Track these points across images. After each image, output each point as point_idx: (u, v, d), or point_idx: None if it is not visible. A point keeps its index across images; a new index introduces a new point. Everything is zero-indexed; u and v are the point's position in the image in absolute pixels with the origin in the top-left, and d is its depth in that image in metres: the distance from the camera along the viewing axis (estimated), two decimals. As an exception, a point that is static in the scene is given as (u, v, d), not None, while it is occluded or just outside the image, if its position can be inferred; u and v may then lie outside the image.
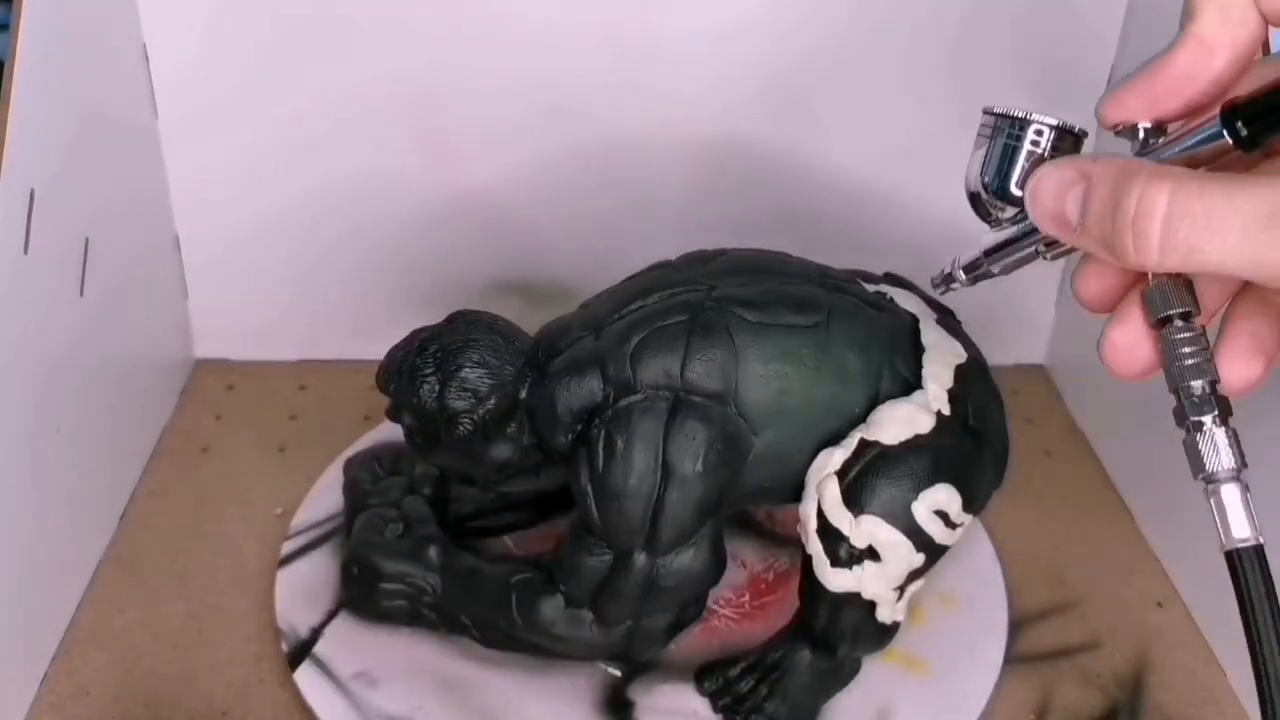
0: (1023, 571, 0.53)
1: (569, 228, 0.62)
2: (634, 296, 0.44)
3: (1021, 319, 0.66)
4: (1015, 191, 0.33)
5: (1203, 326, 0.30)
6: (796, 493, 0.43)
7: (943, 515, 0.42)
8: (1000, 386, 0.46)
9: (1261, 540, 0.29)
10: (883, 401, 0.43)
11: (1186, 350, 0.30)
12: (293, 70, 0.57)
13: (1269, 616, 0.28)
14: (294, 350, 0.65)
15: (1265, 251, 0.26)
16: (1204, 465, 0.29)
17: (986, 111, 0.34)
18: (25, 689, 0.46)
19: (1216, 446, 0.29)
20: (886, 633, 0.44)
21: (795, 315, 0.43)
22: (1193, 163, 0.29)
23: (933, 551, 0.43)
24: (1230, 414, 0.30)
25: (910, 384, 0.43)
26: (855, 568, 0.42)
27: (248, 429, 0.60)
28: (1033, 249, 0.33)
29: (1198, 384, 0.30)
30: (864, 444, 0.42)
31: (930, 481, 0.42)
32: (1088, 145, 0.33)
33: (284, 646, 0.47)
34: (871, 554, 0.42)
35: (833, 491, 0.42)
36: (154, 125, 0.58)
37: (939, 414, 0.42)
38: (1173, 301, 0.30)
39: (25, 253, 0.44)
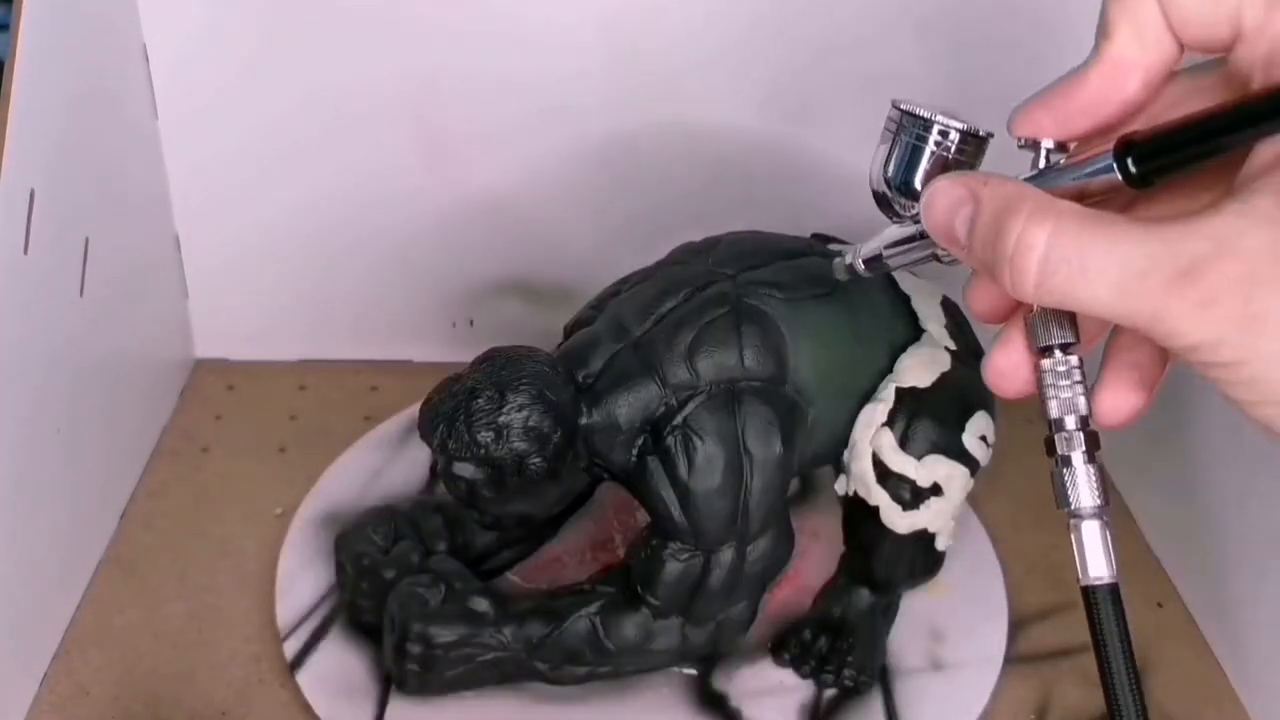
0: (1023, 571, 0.53)
1: (569, 227, 0.62)
2: (657, 299, 0.44)
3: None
4: (918, 189, 0.33)
5: (1080, 360, 0.30)
6: (839, 454, 0.45)
7: (983, 438, 0.45)
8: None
9: (1115, 580, 0.30)
10: (899, 351, 0.45)
11: (1063, 384, 0.30)
12: (293, 70, 0.57)
13: (1120, 652, 0.29)
14: (294, 350, 0.65)
15: (1137, 304, 0.26)
16: (1068, 501, 0.30)
17: (895, 106, 0.34)
18: (25, 689, 0.46)
19: (1081, 483, 0.30)
20: (941, 560, 0.47)
21: (814, 287, 0.44)
22: (1084, 192, 0.28)
23: (977, 472, 0.46)
24: (1098, 449, 0.30)
25: (911, 329, 0.46)
26: (922, 506, 0.44)
27: (248, 429, 0.60)
28: (930, 252, 0.33)
29: (1070, 419, 0.30)
30: (901, 392, 0.44)
31: (969, 412, 0.45)
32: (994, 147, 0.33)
33: None
34: (935, 490, 0.44)
35: (889, 440, 0.44)
36: (154, 125, 0.58)
37: (948, 349, 0.45)
38: (1053, 333, 0.30)
39: (25, 253, 0.44)
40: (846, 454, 0.45)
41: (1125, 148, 0.28)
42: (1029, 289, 0.27)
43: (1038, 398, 0.31)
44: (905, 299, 0.46)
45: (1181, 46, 0.29)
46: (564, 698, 0.45)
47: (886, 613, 0.49)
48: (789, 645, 0.47)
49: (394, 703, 0.45)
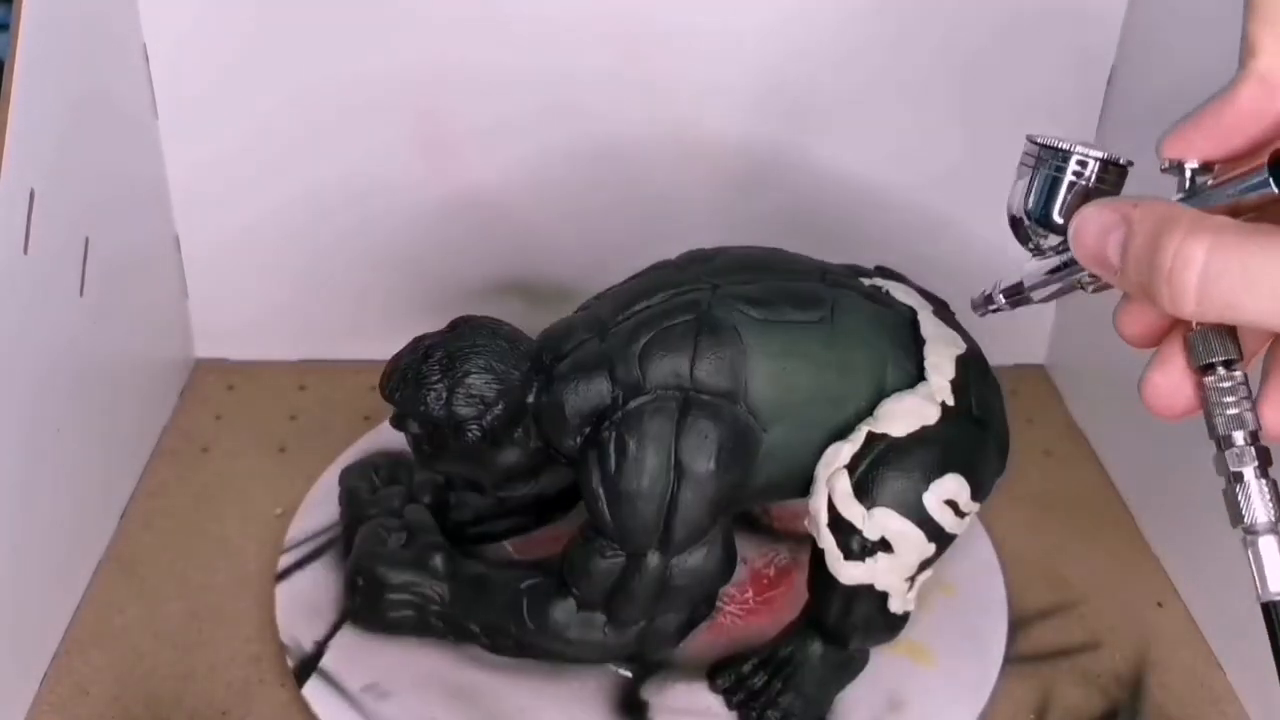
0: (1023, 571, 0.53)
1: (570, 227, 0.62)
2: (636, 297, 0.44)
3: (1021, 319, 0.65)
4: (1058, 220, 0.33)
5: (1245, 374, 0.30)
6: (804, 488, 0.44)
7: (952, 504, 0.42)
8: (1000, 386, 0.46)
9: None
10: (888, 394, 0.43)
11: (1229, 400, 0.30)
12: (293, 69, 0.57)
13: None
14: (294, 350, 0.65)
15: None
16: (1243, 517, 0.29)
17: (1030, 140, 0.34)
18: (25, 689, 0.46)
19: (1256, 499, 0.29)
20: (898, 623, 0.45)
21: (799, 311, 0.43)
22: (1236, 210, 0.28)
23: (943, 540, 0.43)
24: (1270, 464, 0.29)
25: (913, 376, 0.44)
26: (868, 560, 0.42)
27: (248, 429, 0.60)
28: (1076, 281, 0.33)
29: (1239, 434, 0.29)
30: (872, 437, 0.42)
31: (940, 472, 0.42)
32: (1133, 176, 0.33)
33: (289, 661, 0.47)
34: (884, 545, 0.42)
35: (844, 485, 0.42)
36: (154, 124, 0.58)
37: (943, 405, 0.43)
38: (1215, 349, 0.30)
39: (25, 252, 0.44)
40: (810, 489, 0.44)
41: (1279, 161, 0.27)
42: (1189, 304, 0.27)
43: (1201, 412, 0.30)
44: (921, 343, 0.44)
45: None
46: (495, 666, 0.46)
47: (843, 668, 0.46)
48: (726, 673, 0.46)
49: (343, 631, 0.48)
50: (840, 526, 0.42)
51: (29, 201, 0.44)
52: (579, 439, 0.43)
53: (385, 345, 0.64)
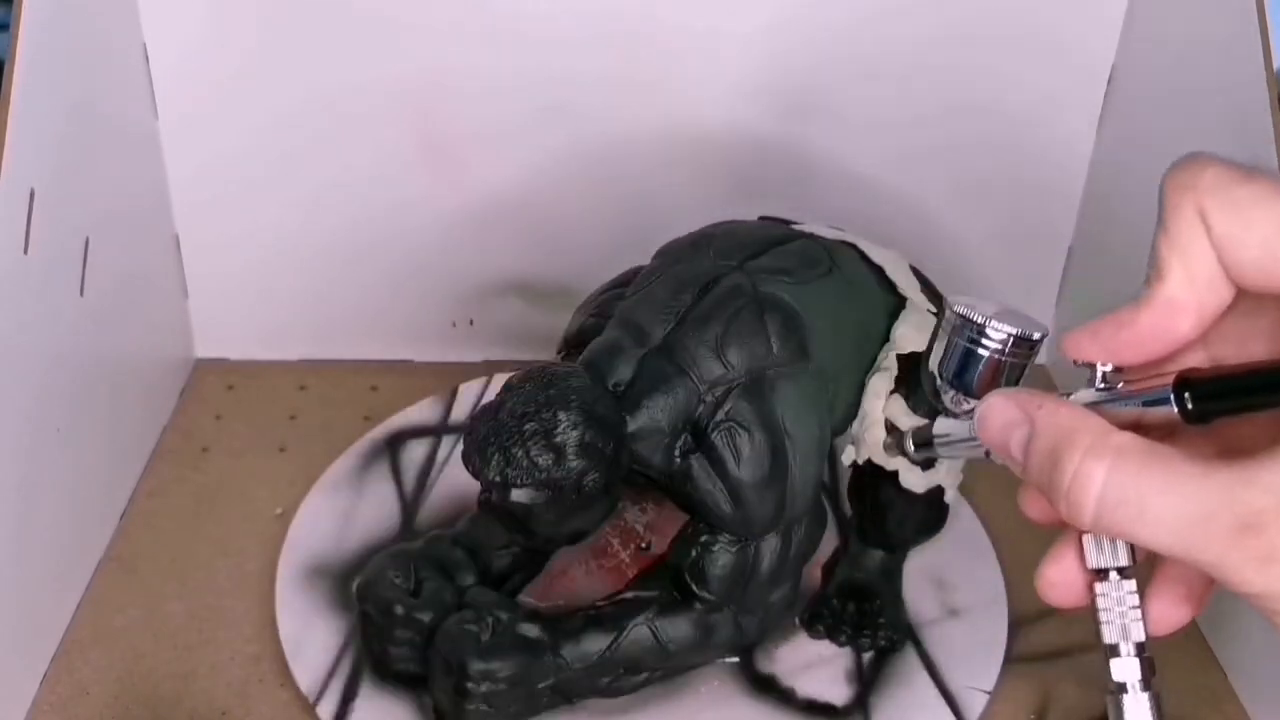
0: (1023, 571, 0.53)
1: (571, 227, 0.62)
2: (670, 298, 0.44)
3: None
4: (972, 386, 0.34)
5: (1135, 583, 0.30)
6: (848, 426, 0.46)
7: None
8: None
9: None
10: (892, 319, 0.46)
11: (1118, 609, 0.30)
12: (293, 70, 0.57)
13: None
14: (294, 350, 0.65)
15: (1198, 550, 0.26)
16: None
17: (949, 306, 0.35)
18: (25, 689, 0.46)
19: (1137, 712, 0.29)
20: (946, 514, 0.49)
21: (814, 269, 0.45)
22: (1141, 421, 0.28)
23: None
24: (1154, 674, 0.29)
25: (894, 299, 0.47)
26: (937, 464, 0.46)
27: (248, 429, 0.60)
28: (984, 451, 0.33)
29: (1125, 646, 0.30)
30: (901, 359, 0.45)
31: None
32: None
33: None
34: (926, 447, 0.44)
35: (899, 405, 0.45)
36: (154, 125, 0.58)
37: (930, 312, 0.46)
38: (1108, 557, 0.30)
39: (25, 253, 0.44)
40: (856, 424, 0.46)
41: (1183, 384, 0.27)
42: (1086, 523, 0.27)
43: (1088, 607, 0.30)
44: (880, 270, 0.47)
45: (1237, 289, 0.28)
46: (619, 709, 0.45)
47: (899, 566, 0.50)
48: (822, 617, 0.49)
49: None
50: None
51: (29, 201, 0.44)
52: (678, 451, 0.43)
53: (385, 345, 0.65)
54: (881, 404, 0.45)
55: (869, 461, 0.46)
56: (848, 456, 0.47)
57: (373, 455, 0.57)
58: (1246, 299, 0.29)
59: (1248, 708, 0.48)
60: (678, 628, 0.44)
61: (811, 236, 0.48)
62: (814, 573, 0.50)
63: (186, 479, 0.57)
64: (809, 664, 0.48)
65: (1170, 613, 0.31)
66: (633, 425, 0.42)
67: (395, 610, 0.45)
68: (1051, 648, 0.50)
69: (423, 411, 0.59)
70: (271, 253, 0.62)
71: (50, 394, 0.47)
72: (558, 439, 0.40)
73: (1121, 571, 0.30)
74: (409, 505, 0.54)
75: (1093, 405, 0.29)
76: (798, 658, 0.48)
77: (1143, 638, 0.30)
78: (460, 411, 0.59)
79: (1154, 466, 0.26)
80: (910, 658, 0.48)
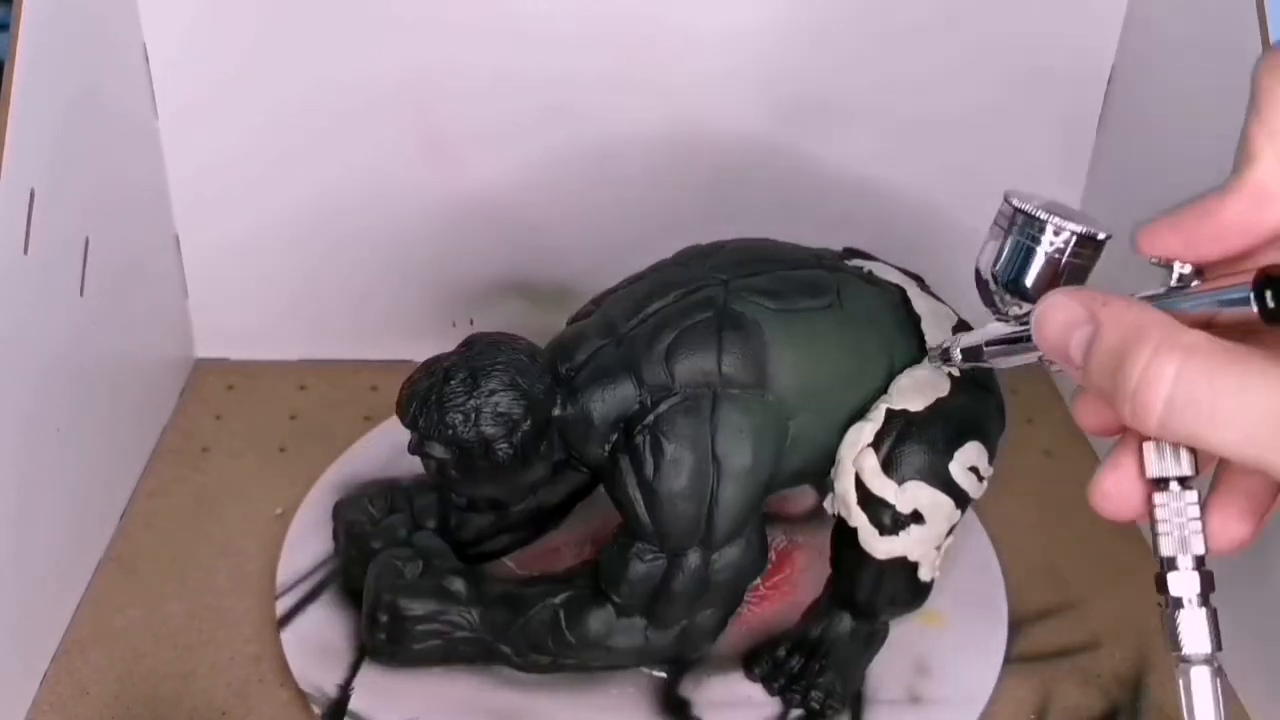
0: (1023, 571, 0.53)
1: (571, 227, 0.62)
2: (647, 298, 0.44)
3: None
4: (1028, 290, 0.32)
5: (1198, 494, 0.29)
6: (825, 472, 0.45)
7: (974, 470, 0.44)
8: (1001, 386, 0.46)
9: None
10: (898, 371, 0.44)
11: (1178, 520, 0.28)
12: (292, 70, 0.57)
13: None
14: (294, 350, 0.65)
15: (1270, 452, 0.24)
16: (1180, 646, 0.28)
17: (1007, 200, 0.33)
18: (25, 689, 0.46)
19: (1196, 629, 0.28)
20: (925, 591, 0.46)
21: (810, 299, 0.44)
22: (1213, 321, 0.27)
23: (966, 505, 0.44)
24: (1213, 590, 0.28)
25: (916, 352, 0.45)
26: (901, 533, 0.43)
27: (248, 429, 0.60)
28: (1037, 356, 0.31)
29: (1184, 559, 0.28)
30: (891, 413, 0.43)
31: (961, 441, 0.43)
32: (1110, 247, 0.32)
33: (315, 709, 0.45)
34: (916, 518, 0.43)
35: (871, 462, 0.43)
36: (154, 124, 0.58)
37: (950, 375, 0.44)
38: (1170, 465, 0.28)
39: (25, 253, 0.44)
40: (833, 472, 0.44)
41: (1266, 281, 0.25)
42: (1152, 427, 0.26)
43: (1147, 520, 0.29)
44: (916, 320, 0.45)
45: None
46: (528, 684, 0.46)
47: (871, 640, 0.47)
48: (761, 661, 0.47)
49: (364, 670, 0.46)
50: (871, 503, 0.43)
51: (29, 201, 0.44)
52: (607, 447, 0.43)
53: (385, 345, 0.64)
54: (854, 455, 0.43)
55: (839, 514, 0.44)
56: (828, 504, 0.45)
57: None
58: None
59: (1248, 708, 0.48)
60: (583, 620, 0.44)
61: (844, 270, 0.46)
62: (794, 616, 0.48)
63: (186, 479, 0.57)
64: (731, 703, 0.46)
65: (1231, 527, 0.29)
66: (563, 410, 0.43)
67: (354, 530, 0.49)
68: (1051, 648, 0.50)
69: None
70: (271, 253, 0.62)
71: (50, 394, 0.47)
72: (473, 403, 0.42)
73: (1183, 481, 0.28)
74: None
75: (1161, 303, 0.28)
76: (723, 693, 0.46)
77: (1202, 551, 0.28)
78: None
79: (1228, 365, 0.25)
80: None
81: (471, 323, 0.64)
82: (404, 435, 0.54)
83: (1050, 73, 0.59)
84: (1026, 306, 0.32)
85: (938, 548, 0.45)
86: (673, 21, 0.57)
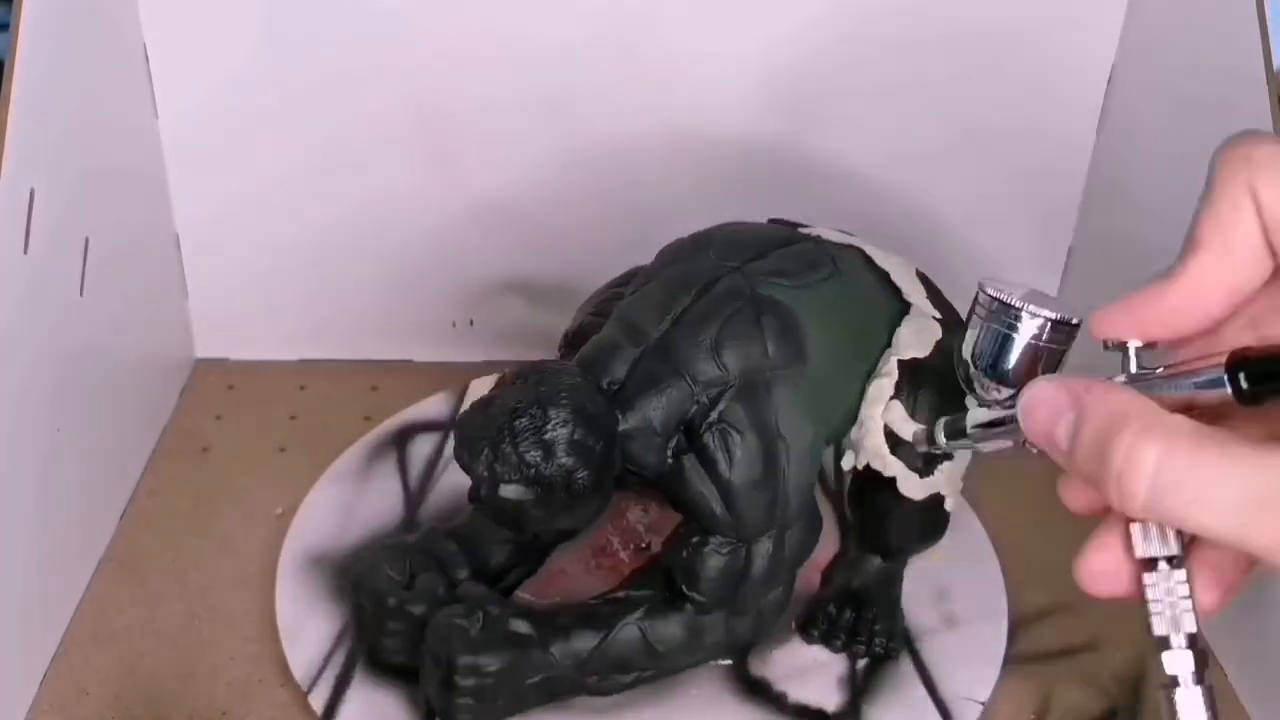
0: (1023, 571, 0.53)
1: (569, 227, 0.62)
2: (669, 299, 0.44)
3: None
4: (1008, 373, 0.33)
5: (1187, 573, 0.29)
6: (846, 433, 0.46)
7: None
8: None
9: None
10: (894, 325, 0.46)
11: (1169, 600, 0.28)
12: (293, 69, 0.57)
13: None
14: (294, 350, 0.65)
15: (1253, 535, 0.25)
16: None
17: (982, 289, 0.34)
18: (25, 689, 0.46)
19: (1191, 707, 0.28)
20: (947, 521, 0.48)
21: (814, 272, 0.45)
22: (1191, 404, 0.27)
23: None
24: (1207, 667, 0.28)
25: (898, 304, 0.47)
26: (936, 472, 0.46)
27: (248, 429, 0.60)
28: (1021, 441, 0.32)
29: (1177, 638, 0.28)
30: (902, 364, 0.45)
31: None
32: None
33: None
34: (946, 455, 0.45)
35: (899, 413, 0.45)
36: (154, 125, 0.58)
37: (935, 318, 0.46)
38: (1157, 546, 0.29)
39: (25, 253, 0.44)
40: (855, 430, 0.46)
41: (1238, 364, 0.26)
42: (1137, 509, 0.26)
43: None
44: (885, 275, 0.47)
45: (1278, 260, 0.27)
46: (609, 708, 0.45)
47: (898, 575, 0.50)
48: (816, 622, 0.48)
49: None
50: (902, 450, 0.45)
51: (29, 201, 0.44)
52: (670, 452, 0.43)
53: (385, 346, 0.65)
54: (880, 409, 0.45)
55: (868, 467, 0.46)
56: (847, 462, 0.47)
57: (381, 448, 0.57)
58: (1273, 288, 0.28)
59: (1248, 708, 0.48)
60: (667, 629, 0.44)
61: (817, 240, 0.48)
62: (812, 577, 0.50)
63: (186, 479, 0.57)
64: (802, 669, 0.47)
65: (1199, 597, 0.29)
66: (625, 424, 0.42)
67: (388, 602, 0.45)
68: (1051, 648, 0.50)
69: (433, 407, 0.59)
70: (271, 253, 0.62)
71: (50, 394, 0.47)
72: (547, 436, 0.40)
73: (1171, 561, 0.28)
74: (413, 499, 0.54)
75: (1141, 387, 0.28)
76: (791, 662, 0.48)
77: (1194, 629, 0.28)
78: None
79: (1209, 449, 0.25)
80: (905, 667, 0.48)
81: (471, 323, 0.64)
82: (343, 495, 0.54)
83: (1050, 75, 0.59)
84: (1007, 391, 0.33)
85: (961, 478, 0.47)
86: (673, 22, 0.57)
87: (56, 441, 0.48)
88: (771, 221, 0.50)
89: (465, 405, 0.58)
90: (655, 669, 0.45)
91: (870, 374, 0.46)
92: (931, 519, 0.47)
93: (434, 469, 0.56)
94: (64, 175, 0.48)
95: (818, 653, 0.48)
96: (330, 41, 0.57)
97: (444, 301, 0.64)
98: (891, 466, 0.45)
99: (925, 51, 0.58)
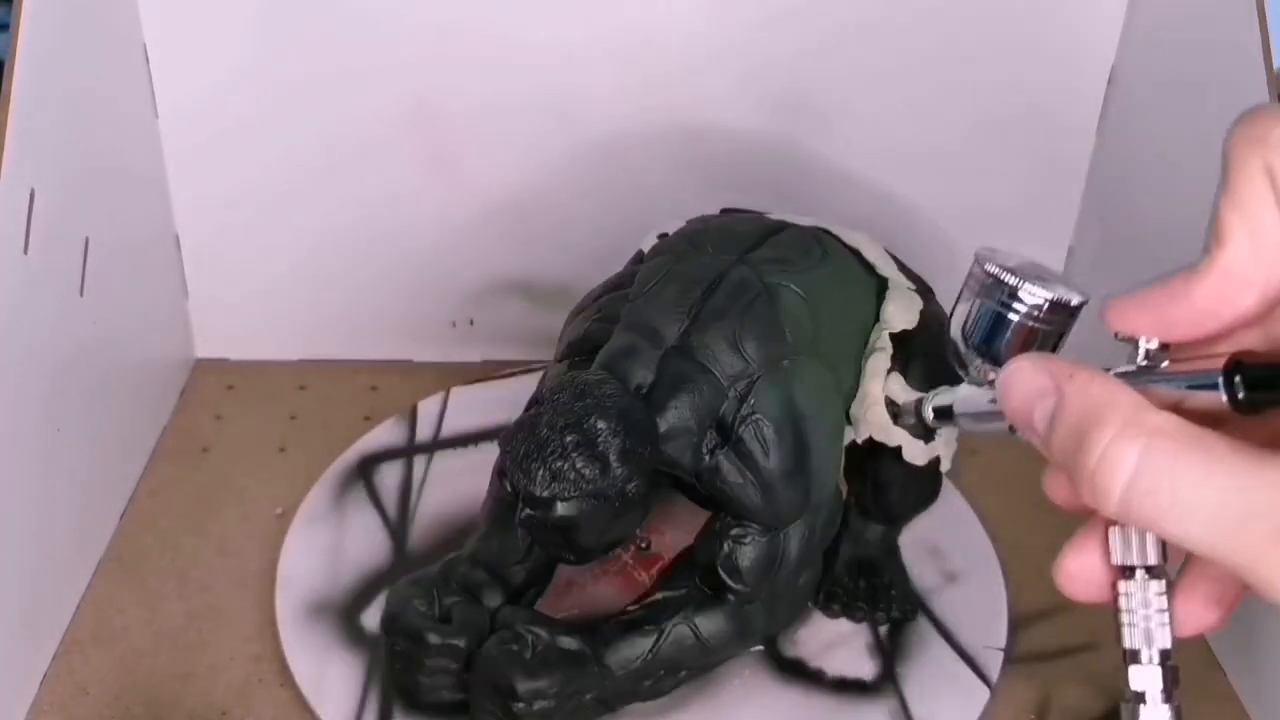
0: (1023, 571, 0.53)
1: (569, 227, 0.62)
2: (680, 297, 0.44)
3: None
4: (1000, 353, 0.30)
5: (1165, 584, 0.27)
6: (850, 405, 0.47)
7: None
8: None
9: None
10: (877, 300, 0.47)
11: (1143, 612, 0.27)
12: (292, 69, 0.57)
13: None
14: (294, 350, 0.65)
15: (1231, 549, 0.23)
16: None
17: (979, 262, 0.31)
18: (25, 689, 0.46)
19: None
20: (941, 482, 0.50)
21: (808, 257, 0.46)
22: (1183, 404, 0.25)
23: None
24: (1177, 686, 0.27)
25: (874, 279, 0.48)
26: (937, 437, 0.46)
27: (248, 429, 0.60)
28: (1008, 425, 0.29)
29: (1147, 652, 0.27)
30: (893, 337, 0.46)
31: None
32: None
33: None
34: (946, 415, 0.45)
35: (898, 384, 0.46)
36: (154, 125, 0.58)
37: (909, 289, 0.48)
38: (1135, 554, 0.27)
39: (25, 253, 0.44)
40: (856, 405, 0.46)
41: (1236, 368, 0.24)
42: (1110, 510, 0.24)
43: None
44: (857, 251, 0.48)
45: None
46: (660, 712, 0.45)
47: (897, 538, 0.51)
48: (836, 596, 0.50)
49: None
50: (904, 419, 0.45)
51: (29, 201, 0.44)
52: (707, 450, 0.43)
53: (385, 345, 0.65)
54: (880, 383, 0.46)
55: (869, 439, 0.46)
56: (848, 436, 0.47)
57: (346, 484, 0.55)
58: None
59: (1248, 708, 0.48)
60: (715, 622, 0.44)
61: (794, 225, 0.48)
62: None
63: (186, 479, 0.57)
64: (830, 643, 0.49)
65: (1197, 613, 0.28)
66: (663, 427, 0.42)
67: (428, 639, 0.44)
68: (1051, 648, 0.50)
69: (387, 433, 0.58)
70: (271, 253, 0.62)
71: (50, 394, 0.47)
72: (600, 448, 0.40)
73: (1150, 570, 0.27)
74: (396, 531, 0.53)
75: (1132, 381, 0.26)
76: (819, 638, 0.49)
77: (1168, 645, 0.27)
78: (423, 431, 0.58)
79: (1193, 453, 0.23)
80: (924, 626, 0.50)
81: (471, 323, 0.64)
82: (322, 537, 0.52)
83: (1050, 74, 0.59)
84: (996, 372, 0.30)
85: (956, 439, 0.49)
86: (670, 21, 0.57)
87: (56, 441, 0.48)
88: (724, 211, 0.51)
89: (418, 427, 0.58)
90: (705, 664, 0.45)
91: (865, 350, 0.47)
92: (929, 482, 0.49)
93: (408, 497, 0.54)
94: (64, 175, 0.48)
95: (841, 625, 0.49)
96: (330, 42, 0.57)
97: (444, 301, 0.64)
98: (896, 437, 0.46)
99: (926, 51, 0.58)
